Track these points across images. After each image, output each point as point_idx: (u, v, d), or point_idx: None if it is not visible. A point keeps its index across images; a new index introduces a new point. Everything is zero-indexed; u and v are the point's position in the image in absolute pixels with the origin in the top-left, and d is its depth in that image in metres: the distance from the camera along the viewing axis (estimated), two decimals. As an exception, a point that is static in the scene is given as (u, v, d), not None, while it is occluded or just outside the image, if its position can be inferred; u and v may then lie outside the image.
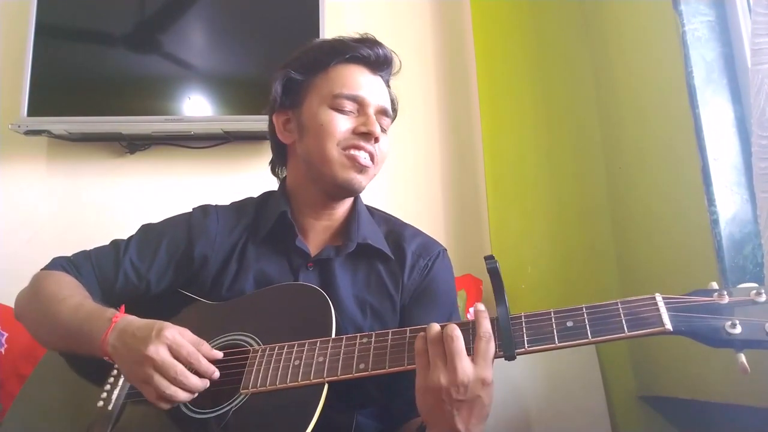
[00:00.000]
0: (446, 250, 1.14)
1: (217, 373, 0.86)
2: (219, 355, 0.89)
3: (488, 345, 0.76)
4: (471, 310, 1.76)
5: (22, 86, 1.83)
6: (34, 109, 1.83)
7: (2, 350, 1.55)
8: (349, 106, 1.02)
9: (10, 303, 1.61)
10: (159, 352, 0.83)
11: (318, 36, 1.90)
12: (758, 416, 1.18)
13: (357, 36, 1.08)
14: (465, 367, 0.74)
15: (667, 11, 1.48)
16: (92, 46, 1.95)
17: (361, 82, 1.04)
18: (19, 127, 1.82)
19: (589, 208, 1.90)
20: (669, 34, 1.48)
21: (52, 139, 1.94)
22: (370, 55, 1.05)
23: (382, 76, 1.09)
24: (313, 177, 1.05)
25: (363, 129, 1.01)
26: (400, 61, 1.11)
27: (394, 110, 1.13)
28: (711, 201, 1.35)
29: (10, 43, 1.97)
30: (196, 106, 1.91)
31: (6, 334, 1.57)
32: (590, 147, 1.94)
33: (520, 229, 1.90)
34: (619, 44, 1.82)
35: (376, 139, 1.02)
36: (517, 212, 1.91)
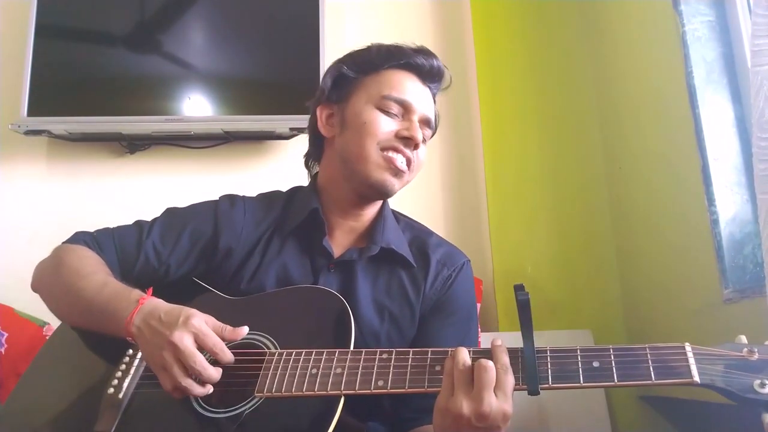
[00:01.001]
0: (470, 260, 1.13)
1: (231, 358, 0.86)
2: (244, 331, 0.88)
3: (506, 377, 0.75)
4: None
5: (22, 86, 1.83)
6: (34, 109, 1.83)
7: (2, 350, 1.55)
8: (395, 108, 1.02)
9: (10, 303, 1.63)
10: (183, 339, 0.82)
11: (317, 37, 1.91)
12: (758, 416, 1.18)
13: (413, 45, 1.09)
14: (491, 399, 0.74)
15: (667, 11, 1.48)
16: (92, 46, 1.95)
17: (411, 88, 1.04)
18: (19, 127, 1.82)
19: (589, 208, 1.90)
20: (669, 34, 1.48)
21: (52, 139, 1.94)
22: (424, 64, 1.06)
23: (430, 88, 1.09)
24: (346, 174, 1.04)
25: (405, 133, 1.01)
26: (451, 77, 1.11)
27: (436, 125, 1.13)
28: (711, 201, 1.35)
29: (10, 43, 1.97)
30: (196, 106, 1.91)
31: (6, 334, 1.57)
32: (590, 147, 1.94)
33: (520, 229, 1.90)
34: (619, 44, 1.82)
35: (416, 146, 1.02)
36: (517, 212, 1.92)
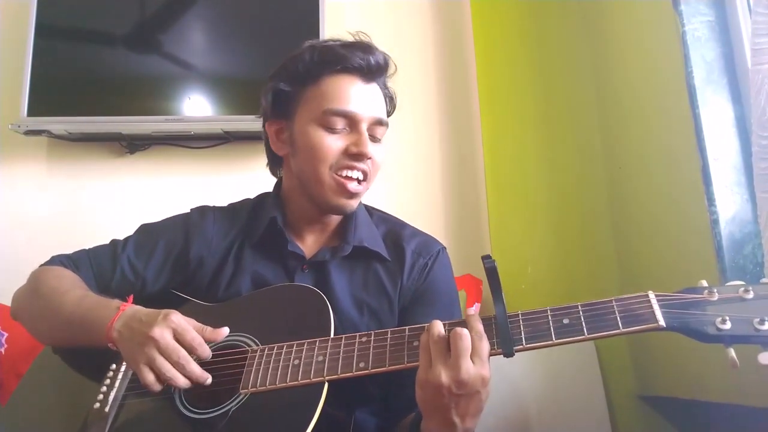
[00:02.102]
0: (445, 248, 1.14)
1: (209, 354, 0.87)
2: (224, 332, 0.89)
3: (481, 343, 0.77)
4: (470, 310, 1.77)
5: (22, 86, 1.84)
6: (34, 109, 1.83)
7: (2, 350, 1.55)
8: (339, 123, 0.98)
9: (11, 303, 1.63)
10: (164, 334, 0.84)
11: (317, 37, 1.89)
12: (758, 416, 1.18)
13: (349, 40, 1.03)
14: (468, 365, 0.75)
15: (667, 11, 1.48)
16: (92, 46, 1.95)
17: (353, 95, 0.99)
18: (19, 127, 1.82)
19: (589, 208, 1.90)
20: (669, 34, 1.48)
21: (52, 139, 1.94)
22: (362, 65, 1.00)
23: (377, 82, 1.05)
24: (305, 193, 1.04)
25: (354, 150, 0.98)
26: (395, 65, 1.06)
27: (393, 106, 1.10)
28: (711, 201, 1.35)
29: (10, 43, 1.97)
30: (196, 106, 1.91)
31: (6, 334, 1.57)
32: (590, 147, 1.94)
33: (520, 229, 1.90)
34: (619, 44, 1.82)
35: (369, 157, 1.00)
36: (517, 212, 1.91)
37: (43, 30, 1.89)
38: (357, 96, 1.00)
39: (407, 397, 0.96)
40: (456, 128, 2.09)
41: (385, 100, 1.07)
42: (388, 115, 1.09)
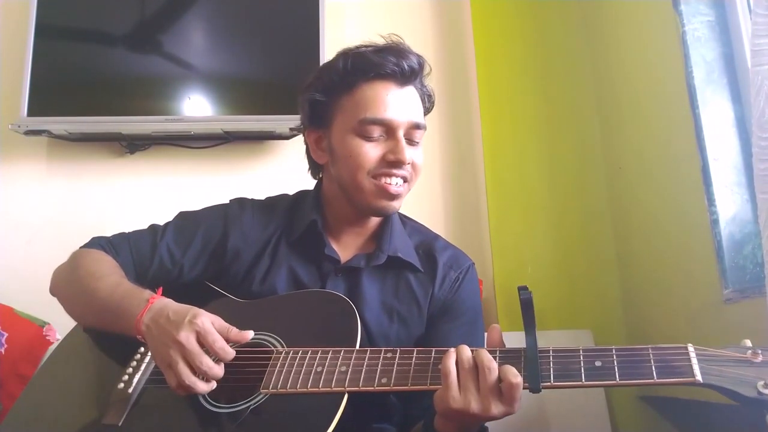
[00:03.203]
0: (474, 263, 1.14)
1: (232, 356, 0.87)
2: (249, 335, 0.89)
3: (517, 391, 0.76)
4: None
5: (22, 86, 1.83)
6: (34, 109, 1.83)
7: (2, 350, 1.55)
8: (376, 131, 0.98)
9: (10, 303, 1.63)
10: (189, 339, 0.84)
11: (317, 37, 1.90)
12: (758, 416, 1.18)
13: (381, 44, 1.03)
14: (497, 404, 0.76)
15: (667, 11, 1.48)
16: (92, 46, 1.95)
17: (388, 101, 0.99)
18: (19, 127, 1.82)
19: (589, 208, 1.90)
20: (669, 34, 1.48)
21: (52, 139, 1.94)
22: (395, 71, 0.99)
23: (413, 84, 1.04)
24: (346, 198, 1.05)
25: (392, 157, 0.98)
26: (430, 66, 1.06)
27: (432, 103, 1.10)
28: (711, 201, 1.35)
29: (10, 43, 1.97)
30: (196, 106, 1.91)
31: (6, 334, 1.57)
32: (590, 147, 1.94)
33: (520, 229, 1.90)
34: (619, 44, 1.82)
35: (407, 163, 1.00)
36: (517, 212, 1.92)
37: (43, 30, 1.88)
38: (392, 102, 0.99)
39: (423, 407, 0.96)
40: (456, 128, 2.09)
41: (423, 99, 1.06)
42: (428, 112, 1.09)
